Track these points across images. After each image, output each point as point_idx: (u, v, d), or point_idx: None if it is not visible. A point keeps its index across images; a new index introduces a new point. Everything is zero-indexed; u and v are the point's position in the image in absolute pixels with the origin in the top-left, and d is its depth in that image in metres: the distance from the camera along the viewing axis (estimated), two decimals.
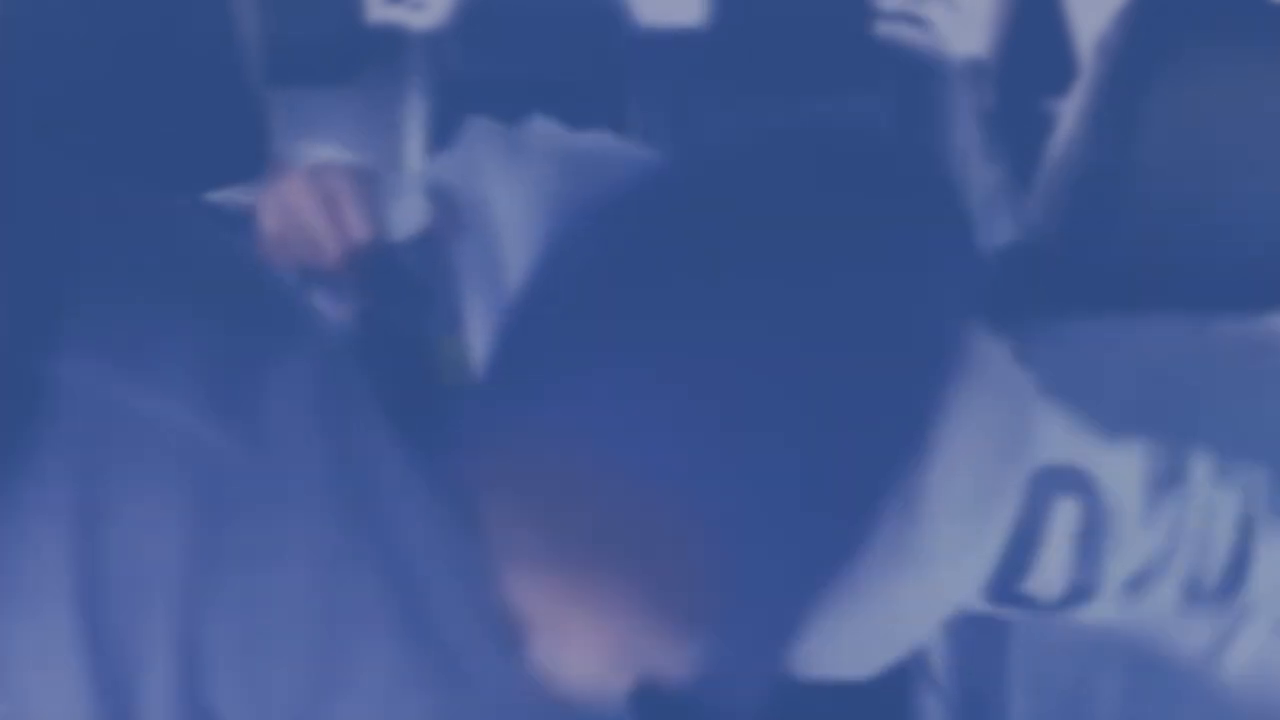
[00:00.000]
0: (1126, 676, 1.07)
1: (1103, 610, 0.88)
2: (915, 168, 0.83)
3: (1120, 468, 0.88)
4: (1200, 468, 0.90)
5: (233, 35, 0.99)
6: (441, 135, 2.26)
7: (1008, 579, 0.83)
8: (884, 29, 2.16)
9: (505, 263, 0.89)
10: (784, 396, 0.72)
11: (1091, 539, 0.84)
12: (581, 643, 0.75)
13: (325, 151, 0.97)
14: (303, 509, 0.56)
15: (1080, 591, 0.86)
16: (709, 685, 0.75)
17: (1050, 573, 0.84)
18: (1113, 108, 1.05)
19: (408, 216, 0.90)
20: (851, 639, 0.81)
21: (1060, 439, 0.87)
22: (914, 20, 2.42)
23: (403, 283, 0.89)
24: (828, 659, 0.81)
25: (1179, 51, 1.03)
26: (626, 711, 0.81)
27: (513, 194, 0.91)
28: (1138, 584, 0.87)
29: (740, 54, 2.21)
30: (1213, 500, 0.88)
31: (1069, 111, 1.10)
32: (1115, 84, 1.05)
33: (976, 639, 1.06)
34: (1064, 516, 0.84)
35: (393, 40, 2.32)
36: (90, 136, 0.91)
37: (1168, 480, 0.88)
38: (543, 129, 1.00)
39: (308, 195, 0.90)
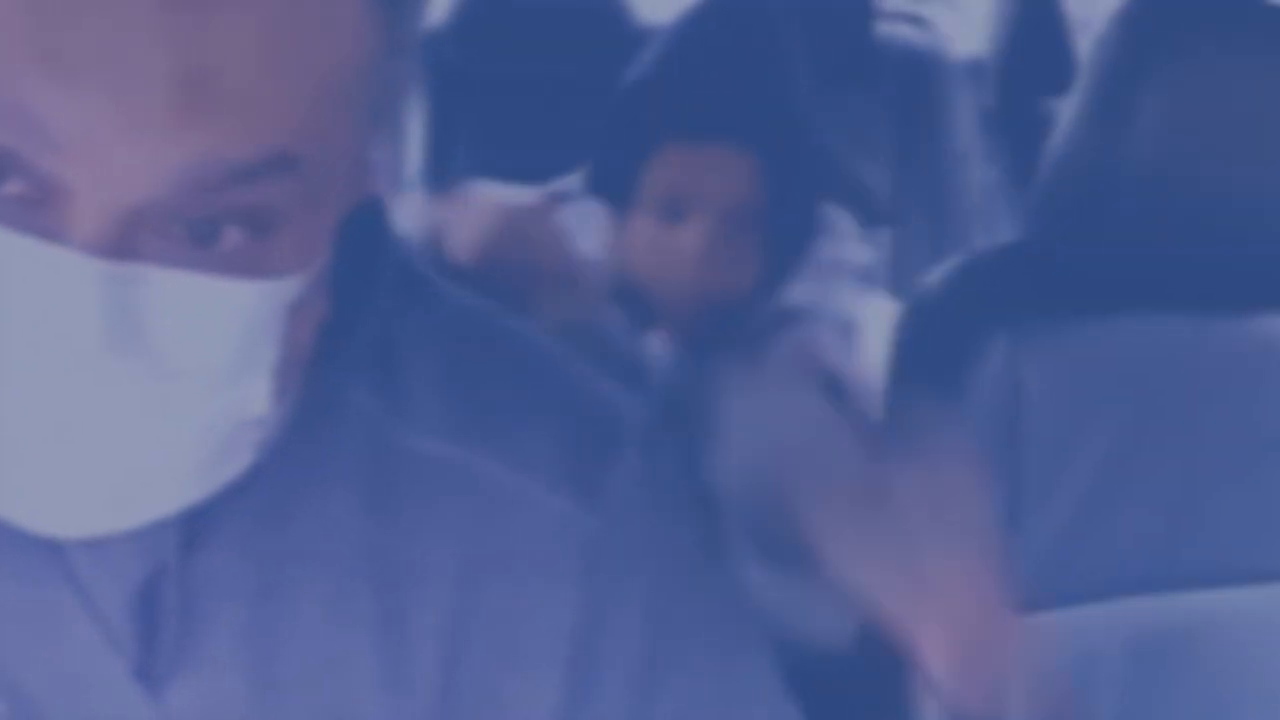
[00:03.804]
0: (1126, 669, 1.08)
1: None
2: None
3: None
4: None
5: None
6: (442, 134, 2.26)
7: None
8: (884, 29, 2.16)
9: None
10: None
11: None
12: None
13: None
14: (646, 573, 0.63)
15: None
16: None
17: None
18: (1112, 108, 1.06)
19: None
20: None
21: None
22: (914, 20, 2.42)
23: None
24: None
25: (1178, 51, 1.04)
26: None
27: None
28: None
29: None
30: None
31: (1069, 111, 1.10)
32: (1115, 84, 1.06)
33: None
34: None
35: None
36: None
37: None
38: None
39: (515, 241, 1.13)
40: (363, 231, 0.59)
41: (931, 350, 1.10)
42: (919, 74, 2.25)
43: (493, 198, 1.16)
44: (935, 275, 1.14)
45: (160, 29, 0.45)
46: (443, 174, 2.28)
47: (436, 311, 0.63)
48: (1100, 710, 1.08)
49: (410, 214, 1.06)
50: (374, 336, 0.61)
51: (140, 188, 0.47)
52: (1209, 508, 1.09)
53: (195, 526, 0.57)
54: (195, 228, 0.49)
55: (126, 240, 0.47)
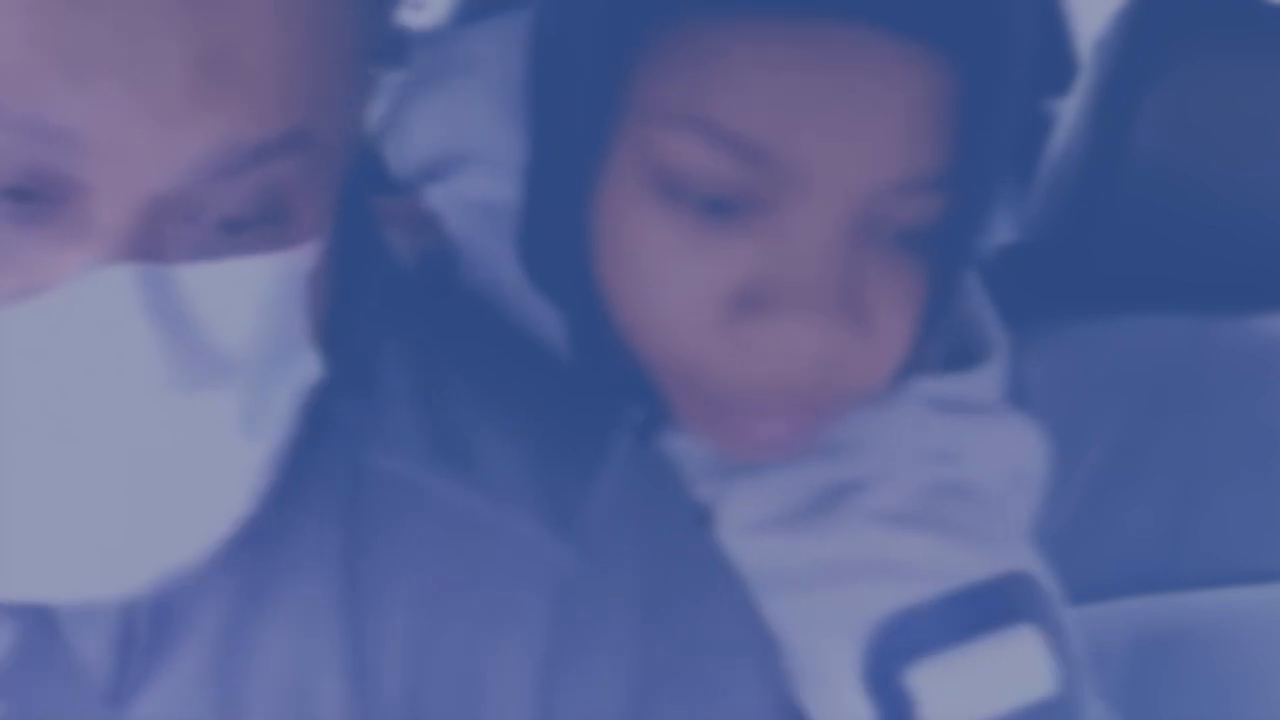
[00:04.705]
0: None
1: None
2: None
3: None
4: None
5: None
6: None
7: None
8: None
9: None
10: None
11: None
12: None
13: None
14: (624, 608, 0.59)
15: None
16: None
17: None
18: (1113, 108, 1.05)
19: None
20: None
21: None
22: None
23: None
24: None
25: (1181, 52, 1.03)
26: None
27: None
28: None
29: None
30: None
31: (1070, 112, 1.10)
32: (1117, 85, 1.06)
33: None
34: None
35: (393, 40, 2.31)
36: None
37: None
38: None
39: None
40: (351, 242, 0.59)
41: None
42: None
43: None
44: None
45: (173, 13, 0.44)
46: None
47: (420, 325, 0.62)
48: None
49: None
50: (360, 350, 0.60)
51: (163, 176, 0.46)
52: (1213, 507, 1.09)
53: None
54: (223, 213, 0.48)
55: (154, 233, 0.46)
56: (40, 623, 0.57)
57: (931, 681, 0.57)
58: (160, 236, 0.47)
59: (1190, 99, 1.03)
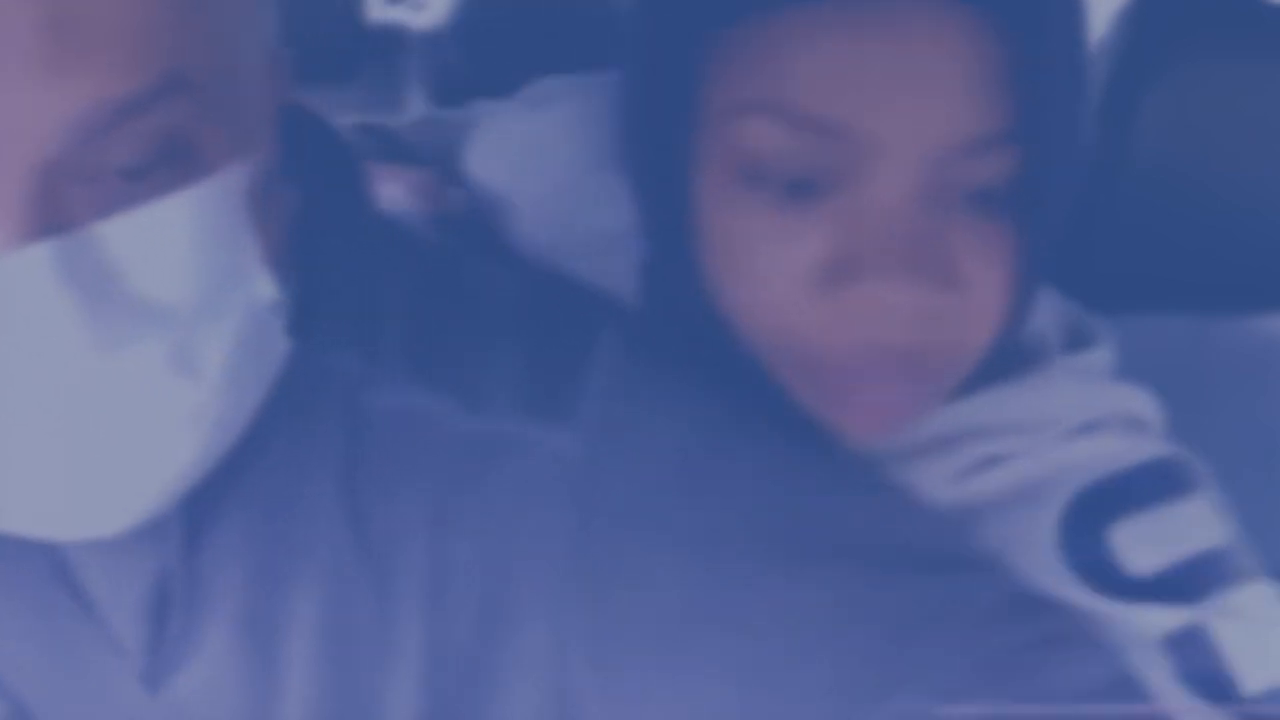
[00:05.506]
0: None
1: None
2: None
3: None
4: None
5: None
6: None
7: None
8: None
9: None
10: None
11: None
12: None
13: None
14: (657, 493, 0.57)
15: None
16: None
17: None
18: (1113, 108, 1.05)
19: None
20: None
21: None
22: None
23: None
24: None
25: (1179, 52, 1.03)
26: None
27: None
28: None
29: None
30: None
31: None
32: (1115, 84, 1.06)
33: None
34: None
35: (393, 40, 2.31)
36: None
37: None
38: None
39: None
40: (341, 196, 0.59)
41: None
42: None
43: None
44: None
45: None
46: None
47: (410, 269, 0.62)
48: None
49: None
50: (356, 300, 0.60)
51: (43, 146, 0.45)
52: None
53: (197, 522, 0.57)
54: (119, 165, 0.47)
55: (54, 199, 0.46)
56: (77, 608, 0.58)
57: (1127, 537, 0.63)
58: (62, 201, 0.46)
59: (1190, 99, 1.03)
